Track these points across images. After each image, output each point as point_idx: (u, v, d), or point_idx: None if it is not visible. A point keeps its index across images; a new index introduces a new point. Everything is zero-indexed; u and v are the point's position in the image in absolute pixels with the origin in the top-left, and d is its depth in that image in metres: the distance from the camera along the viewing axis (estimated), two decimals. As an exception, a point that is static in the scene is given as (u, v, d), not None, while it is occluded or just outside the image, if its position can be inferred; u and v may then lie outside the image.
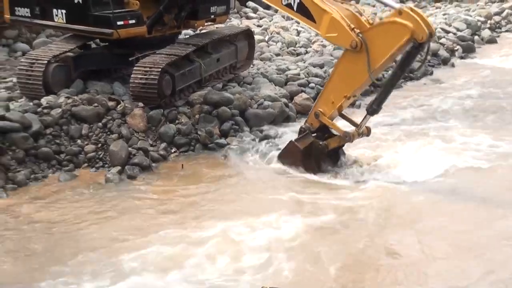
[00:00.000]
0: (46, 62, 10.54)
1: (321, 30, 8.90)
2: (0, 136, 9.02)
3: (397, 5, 8.63)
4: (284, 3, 9.17)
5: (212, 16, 12.19)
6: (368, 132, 9.56)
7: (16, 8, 11.35)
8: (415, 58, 8.58)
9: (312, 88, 12.49)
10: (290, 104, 11.77)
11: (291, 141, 9.51)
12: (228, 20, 15.38)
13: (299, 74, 13.06)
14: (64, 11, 10.90)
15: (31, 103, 10.01)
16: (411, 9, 8.28)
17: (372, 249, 7.24)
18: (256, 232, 7.47)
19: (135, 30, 10.84)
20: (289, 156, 9.50)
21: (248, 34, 13.42)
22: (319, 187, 8.91)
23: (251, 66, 13.39)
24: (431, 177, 9.19)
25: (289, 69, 13.38)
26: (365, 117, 9.29)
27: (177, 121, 10.23)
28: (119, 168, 9.25)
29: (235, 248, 7.10)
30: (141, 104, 10.26)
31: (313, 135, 9.45)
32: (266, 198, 8.55)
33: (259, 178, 9.33)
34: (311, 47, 15.47)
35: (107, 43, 11.61)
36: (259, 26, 17.12)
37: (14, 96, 10.69)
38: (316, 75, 13.11)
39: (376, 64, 8.53)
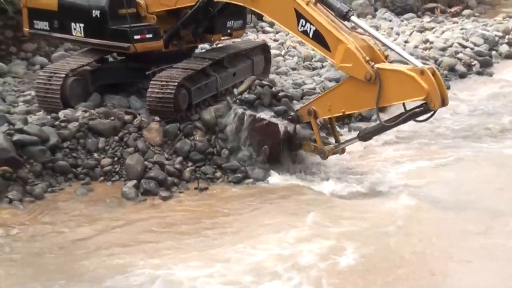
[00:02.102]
0: (64, 75, 10.63)
1: (336, 59, 8.89)
2: (18, 149, 9.11)
3: (420, 65, 8.55)
4: (300, 29, 9.16)
5: (229, 31, 12.19)
6: (342, 151, 9.81)
7: (35, 21, 11.52)
8: (420, 117, 8.62)
9: (328, 102, 12.45)
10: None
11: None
12: (244, 34, 15.43)
13: (315, 89, 13.05)
14: (82, 25, 11.03)
15: (48, 117, 10.09)
16: (433, 73, 8.24)
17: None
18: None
19: (152, 45, 10.90)
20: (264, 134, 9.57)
21: (264, 48, 13.45)
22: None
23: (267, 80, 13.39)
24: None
25: (305, 84, 13.38)
26: (352, 140, 9.52)
27: (192, 137, 10.25)
28: (135, 181, 9.29)
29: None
30: (157, 118, 10.30)
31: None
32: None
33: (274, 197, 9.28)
34: (327, 61, 15.45)
35: (124, 57, 11.70)
36: (275, 40, 17.16)
37: (32, 110, 10.79)
38: (332, 90, 13.09)
39: (384, 103, 8.64)
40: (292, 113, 9.74)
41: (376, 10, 21.58)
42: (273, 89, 10.32)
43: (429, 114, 8.55)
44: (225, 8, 11.15)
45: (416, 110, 8.54)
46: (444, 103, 8.26)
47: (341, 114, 9.32)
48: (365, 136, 9.32)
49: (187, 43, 11.64)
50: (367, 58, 8.65)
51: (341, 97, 9.09)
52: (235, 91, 10.66)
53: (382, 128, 9.09)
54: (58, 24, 11.30)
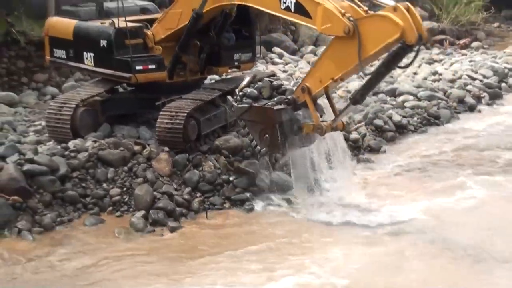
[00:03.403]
0: (74, 106, 10.72)
1: (317, 24, 8.83)
2: (28, 179, 9.15)
3: (393, 3, 8.45)
4: (282, 7, 9.17)
5: (236, 63, 12.03)
6: (343, 127, 9.51)
7: (54, 49, 11.80)
8: (402, 59, 8.46)
9: (340, 134, 12.47)
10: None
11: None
12: (253, 65, 15.53)
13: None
14: (92, 54, 11.18)
15: (59, 147, 10.15)
16: (408, 8, 8.14)
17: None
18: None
19: (154, 75, 10.93)
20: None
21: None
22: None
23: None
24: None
25: (314, 115, 13.39)
26: (346, 108, 9.23)
27: (201, 168, 10.27)
28: (143, 212, 9.29)
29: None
30: (166, 148, 10.33)
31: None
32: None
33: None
34: (336, 92, 15.50)
35: (133, 88, 11.78)
36: (284, 71, 17.22)
37: (42, 140, 10.85)
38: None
39: (366, 54, 8.42)
40: (289, 97, 9.46)
41: (385, 41, 21.75)
42: (274, 82, 10.12)
43: (411, 58, 8.42)
44: (223, 26, 10.99)
45: (395, 50, 8.32)
46: (421, 38, 8.13)
47: (331, 81, 8.93)
48: (356, 98, 9.00)
49: (192, 73, 11.58)
50: (343, 11, 8.57)
51: (328, 64, 8.91)
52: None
53: (369, 83, 8.85)
54: (73, 52, 11.52)
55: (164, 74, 11.06)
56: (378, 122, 13.28)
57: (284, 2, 9.12)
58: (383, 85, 15.75)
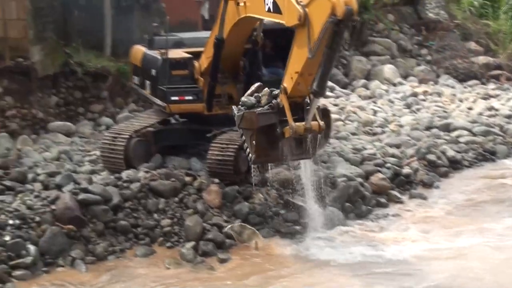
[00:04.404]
0: (127, 137, 10.91)
1: (284, 18, 8.75)
2: (82, 208, 9.32)
3: None
4: (266, 10, 9.13)
5: None
6: (319, 129, 8.94)
7: (133, 76, 12.51)
8: (342, 37, 8.21)
9: (389, 168, 12.34)
10: (365, 184, 11.66)
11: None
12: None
13: (375, 154, 12.96)
14: (149, 82, 11.45)
15: (112, 177, 10.33)
16: None
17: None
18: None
19: (190, 106, 11.05)
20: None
21: (324, 113, 13.40)
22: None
23: (327, 144, 13.39)
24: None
25: (365, 149, 13.31)
26: (312, 104, 8.73)
27: (251, 200, 10.27)
28: (193, 243, 9.33)
29: None
30: (217, 180, 10.39)
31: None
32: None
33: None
34: (387, 127, 15.39)
35: (186, 119, 11.91)
36: (335, 105, 17.18)
37: (97, 169, 11.07)
38: (393, 155, 12.98)
39: (313, 38, 8.18)
40: (273, 101, 9.06)
41: (438, 76, 21.42)
42: (275, 91, 9.50)
43: (349, 30, 8.09)
44: (254, 56, 10.94)
45: (332, 28, 8.01)
46: (352, 13, 7.87)
47: (297, 75, 8.58)
48: (315, 91, 8.48)
49: (231, 103, 11.19)
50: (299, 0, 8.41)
51: (293, 58, 8.67)
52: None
53: (323, 71, 8.35)
54: (141, 80, 11.95)
55: (202, 106, 11.11)
56: (431, 157, 13.08)
57: (267, 4, 9.13)
58: (436, 120, 15.60)
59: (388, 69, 20.54)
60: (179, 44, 11.75)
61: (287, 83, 8.77)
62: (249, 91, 9.40)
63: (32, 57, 13.13)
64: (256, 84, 9.34)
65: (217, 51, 10.59)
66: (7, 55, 12.84)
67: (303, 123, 8.75)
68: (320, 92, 8.54)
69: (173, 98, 10.92)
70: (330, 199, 10.84)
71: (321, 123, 8.92)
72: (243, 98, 9.18)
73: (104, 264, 8.86)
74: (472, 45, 23.22)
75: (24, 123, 12.83)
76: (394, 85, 19.82)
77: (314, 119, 8.87)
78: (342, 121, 15.67)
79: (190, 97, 11.00)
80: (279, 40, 11.56)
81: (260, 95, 9.15)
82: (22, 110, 12.86)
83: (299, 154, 9.31)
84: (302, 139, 9.03)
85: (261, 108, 8.97)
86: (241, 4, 9.70)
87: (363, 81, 19.82)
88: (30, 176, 10.45)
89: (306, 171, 10.27)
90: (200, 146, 11.72)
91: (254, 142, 8.94)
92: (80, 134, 13.38)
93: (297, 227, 10.05)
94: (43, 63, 13.35)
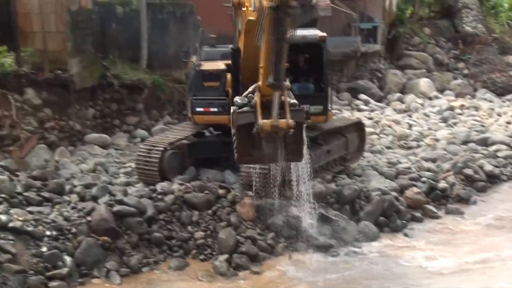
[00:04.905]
0: (162, 149, 10.98)
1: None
2: (117, 220, 9.39)
3: None
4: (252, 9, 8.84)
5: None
6: (287, 126, 8.48)
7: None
8: (283, 25, 7.98)
9: (424, 182, 12.20)
10: (400, 198, 11.55)
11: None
12: (339, 112, 15.50)
13: (410, 168, 12.85)
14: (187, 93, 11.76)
15: (146, 189, 10.40)
16: None
17: None
18: None
19: (215, 118, 11.11)
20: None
21: (359, 126, 13.41)
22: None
23: (361, 158, 13.32)
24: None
25: (400, 163, 13.20)
26: (274, 99, 8.46)
27: (284, 213, 10.25)
28: (227, 256, 9.33)
29: None
30: (250, 193, 10.40)
31: None
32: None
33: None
34: (423, 141, 15.25)
35: (219, 132, 11.95)
36: (370, 118, 17.11)
37: (132, 181, 11.17)
38: (429, 170, 12.84)
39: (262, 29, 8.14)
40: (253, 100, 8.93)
41: (475, 90, 21.20)
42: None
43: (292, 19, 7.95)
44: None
45: (267, 12, 7.95)
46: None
47: (262, 70, 8.50)
48: (273, 83, 8.27)
49: None
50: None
51: (262, 56, 8.55)
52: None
53: (276, 60, 8.16)
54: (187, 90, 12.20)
55: (227, 118, 10.82)
56: (468, 171, 12.90)
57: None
58: (473, 134, 15.40)
59: (424, 83, 20.41)
60: (226, 56, 11.79)
61: (260, 80, 8.67)
62: (246, 92, 9.27)
63: (71, 70, 13.38)
64: (254, 85, 9.12)
65: (234, 61, 10.56)
66: (47, 68, 13.09)
67: (271, 120, 8.45)
68: (276, 85, 8.33)
69: (198, 109, 11.04)
70: (364, 213, 10.75)
71: (290, 121, 8.54)
72: (235, 98, 9.09)
73: (138, 276, 8.92)
74: (511, 59, 22.93)
75: (62, 135, 13.06)
76: (430, 99, 19.67)
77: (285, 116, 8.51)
78: (377, 134, 15.59)
79: (215, 109, 11.07)
80: (309, 55, 11.61)
81: (253, 95, 8.94)
82: (60, 122, 13.09)
83: (286, 156, 8.98)
84: (286, 139, 8.69)
85: (247, 108, 8.79)
86: (244, 8, 9.64)
87: (398, 94, 19.70)
88: (67, 187, 10.61)
89: (298, 174, 9.97)
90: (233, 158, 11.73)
91: (236, 141, 8.82)
92: (115, 146, 13.55)
93: (331, 241, 9.98)
94: (81, 75, 13.58)
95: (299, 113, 8.68)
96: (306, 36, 11.24)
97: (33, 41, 13.26)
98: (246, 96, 8.94)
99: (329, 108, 11.69)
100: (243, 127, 8.63)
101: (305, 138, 9.10)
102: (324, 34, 11.49)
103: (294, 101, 8.80)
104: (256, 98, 8.64)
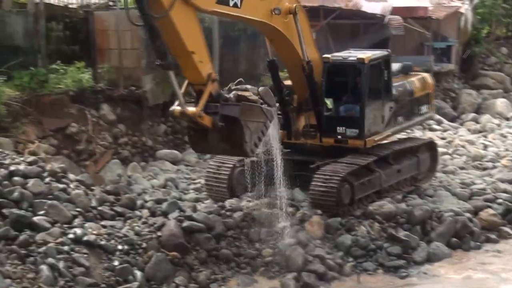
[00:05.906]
0: (231, 166, 11.05)
1: None
2: (186, 236, 9.49)
3: None
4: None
5: (339, 137, 11.27)
6: (193, 114, 8.88)
7: None
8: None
9: (500, 204, 11.82)
10: (474, 219, 11.23)
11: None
12: (410, 131, 15.25)
13: (485, 189, 12.48)
14: None
15: (215, 205, 10.49)
16: None
17: None
18: None
19: None
20: None
21: (431, 146, 13.17)
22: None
23: (433, 178, 13.04)
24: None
25: (474, 184, 12.84)
26: (203, 96, 8.89)
27: (353, 232, 10.13)
28: (295, 274, 9.27)
29: None
30: (319, 211, 10.33)
31: None
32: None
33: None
34: (499, 161, 14.79)
35: (289, 150, 11.92)
36: (443, 138, 16.75)
37: (201, 197, 11.29)
38: (505, 191, 12.42)
39: None
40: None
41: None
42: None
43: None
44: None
45: None
46: None
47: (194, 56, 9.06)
48: (164, 64, 8.82)
49: (303, 134, 11.45)
50: None
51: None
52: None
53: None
54: None
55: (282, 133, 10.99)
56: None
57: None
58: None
59: (501, 103, 19.87)
60: None
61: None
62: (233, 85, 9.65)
63: (144, 86, 13.67)
64: (238, 80, 9.70)
65: (271, 73, 11.12)
66: (122, 84, 13.43)
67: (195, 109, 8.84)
68: (162, 64, 8.76)
69: None
70: (436, 234, 10.51)
71: (198, 108, 8.85)
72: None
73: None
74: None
75: (134, 150, 13.34)
76: (507, 119, 19.12)
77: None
78: (450, 155, 15.22)
79: None
80: (352, 77, 11.50)
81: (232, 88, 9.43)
82: (133, 137, 13.38)
83: (230, 149, 9.43)
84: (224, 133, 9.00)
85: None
86: None
87: (472, 114, 19.21)
88: (138, 202, 10.77)
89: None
90: (303, 177, 11.69)
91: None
92: (186, 162, 13.71)
93: (401, 261, 9.79)
94: (154, 91, 13.85)
95: (233, 108, 8.99)
96: (346, 58, 11.32)
97: (109, 58, 13.66)
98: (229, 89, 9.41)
99: (367, 135, 11.29)
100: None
101: (257, 135, 9.32)
102: (368, 55, 11.29)
103: (255, 98, 9.23)
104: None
